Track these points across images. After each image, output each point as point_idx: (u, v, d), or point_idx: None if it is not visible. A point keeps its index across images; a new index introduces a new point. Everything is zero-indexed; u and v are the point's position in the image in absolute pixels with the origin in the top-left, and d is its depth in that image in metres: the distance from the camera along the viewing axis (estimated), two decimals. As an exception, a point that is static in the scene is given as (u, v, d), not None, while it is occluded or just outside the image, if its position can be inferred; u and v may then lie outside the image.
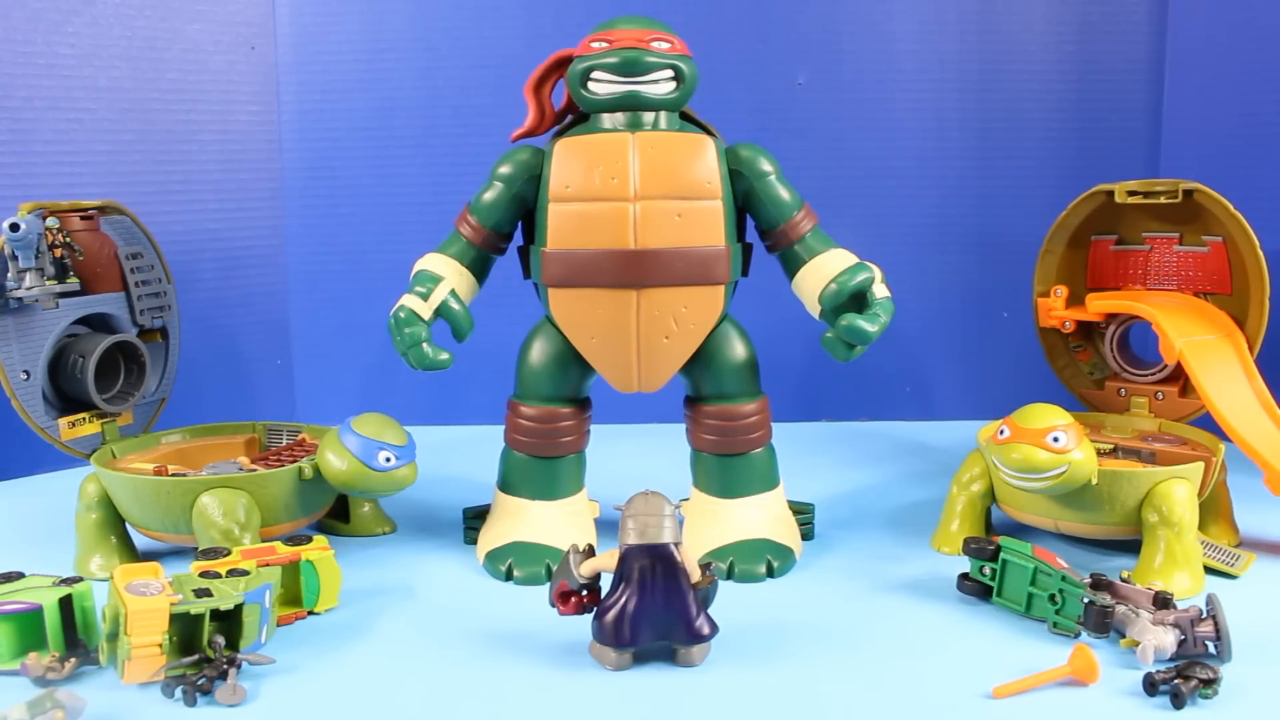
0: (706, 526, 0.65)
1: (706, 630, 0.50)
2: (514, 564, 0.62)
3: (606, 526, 0.70)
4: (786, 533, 0.65)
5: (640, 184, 0.60)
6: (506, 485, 0.67)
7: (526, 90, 0.65)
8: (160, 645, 0.48)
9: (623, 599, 0.49)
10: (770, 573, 0.61)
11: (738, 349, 0.65)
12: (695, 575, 0.50)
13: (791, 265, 0.64)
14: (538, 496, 0.66)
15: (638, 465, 0.84)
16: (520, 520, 0.65)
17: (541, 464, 0.66)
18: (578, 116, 0.66)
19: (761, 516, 0.65)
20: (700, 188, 0.61)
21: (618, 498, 0.74)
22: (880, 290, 0.61)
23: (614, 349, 0.63)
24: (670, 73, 0.62)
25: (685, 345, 0.63)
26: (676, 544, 0.48)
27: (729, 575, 0.61)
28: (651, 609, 0.48)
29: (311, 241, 1.02)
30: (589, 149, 0.62)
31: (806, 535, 0.67)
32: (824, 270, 0.62)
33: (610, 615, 0.49)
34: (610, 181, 0.61)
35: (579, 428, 0.67)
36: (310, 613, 0.57)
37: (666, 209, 0.61)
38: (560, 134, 0.66)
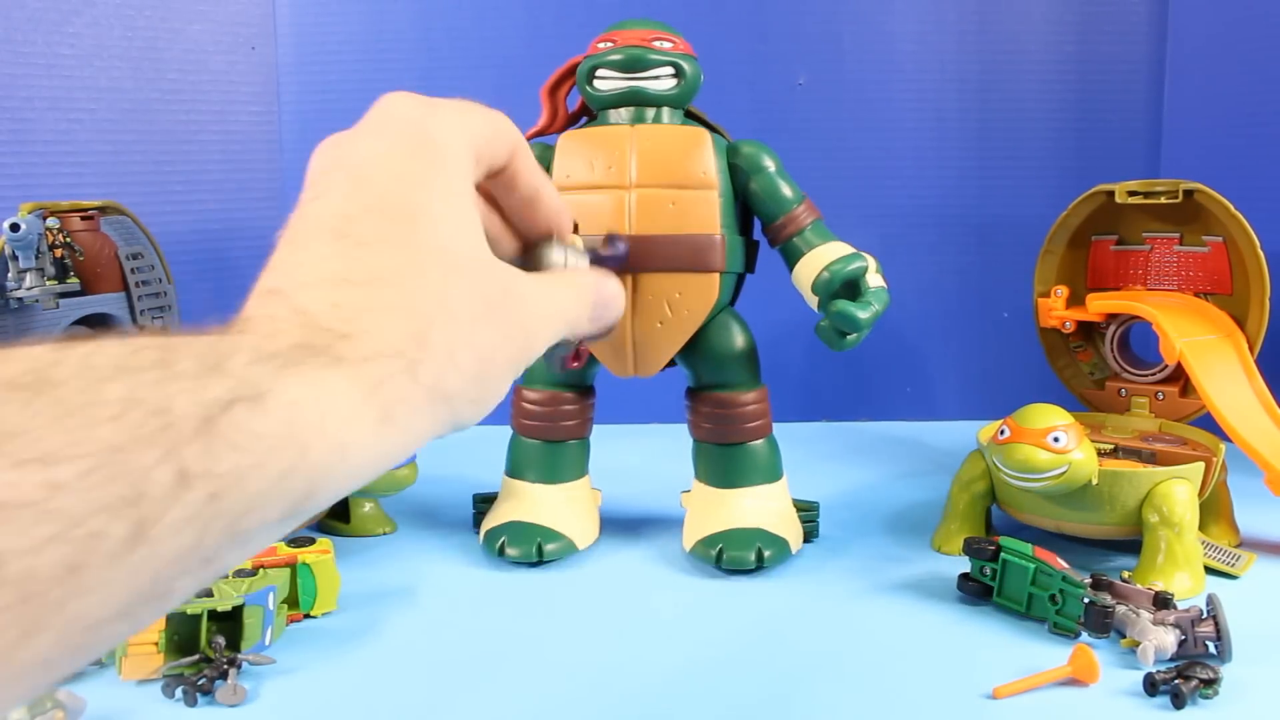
0: (704, 515, 0.65)
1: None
2: (507, 542, 0.64)
3: (609, 519, 0.70)
4: (783, 526, 0.65)
5: (636, 173, 0.62)
6: (513, 470, 0.69)
7: (543, 92, 0.67)
8: (156, 644, 0.49)
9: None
10: (760, 561, 0.61)
11: (736, 338, 0.65)
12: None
13: (791, 258, 0.64)
14: (540, 480, 0.68)
15: (641, 462, 0.84)
16: (521, 502, 0.67)
17: (546, 448, 0.67)
18: (591, 118, 0.68)
19: (760, 508, 0.65)
20: (695, 177, 0.62)
21: (622, 493, 0.75)
22: (874, 279, 0.61)
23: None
24: (671, 69, 0.64)
25: (679, 332, 0.63)
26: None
27: (717, 563, 0.61)
28: None
29: (312, 241, 1.02)
30: (591, 141, 0.64)
31: (811, 534, 0.67)
32: (819, 260, 0.62)
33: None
34: (608, 170, 0.62)
35: (582, 413, 0.68)
36: (307, 616, 0.57)
37: (661, 197, 0.62)
38: (572, 132, 0.67)
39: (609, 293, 0.35)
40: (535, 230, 0.36)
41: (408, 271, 0.27)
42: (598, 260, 0.43)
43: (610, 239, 0.47)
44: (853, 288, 0.61)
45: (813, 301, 0.63)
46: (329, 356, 0.25)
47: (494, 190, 0.35)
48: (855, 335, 0.60)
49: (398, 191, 0.29)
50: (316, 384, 0.24)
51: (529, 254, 0.37)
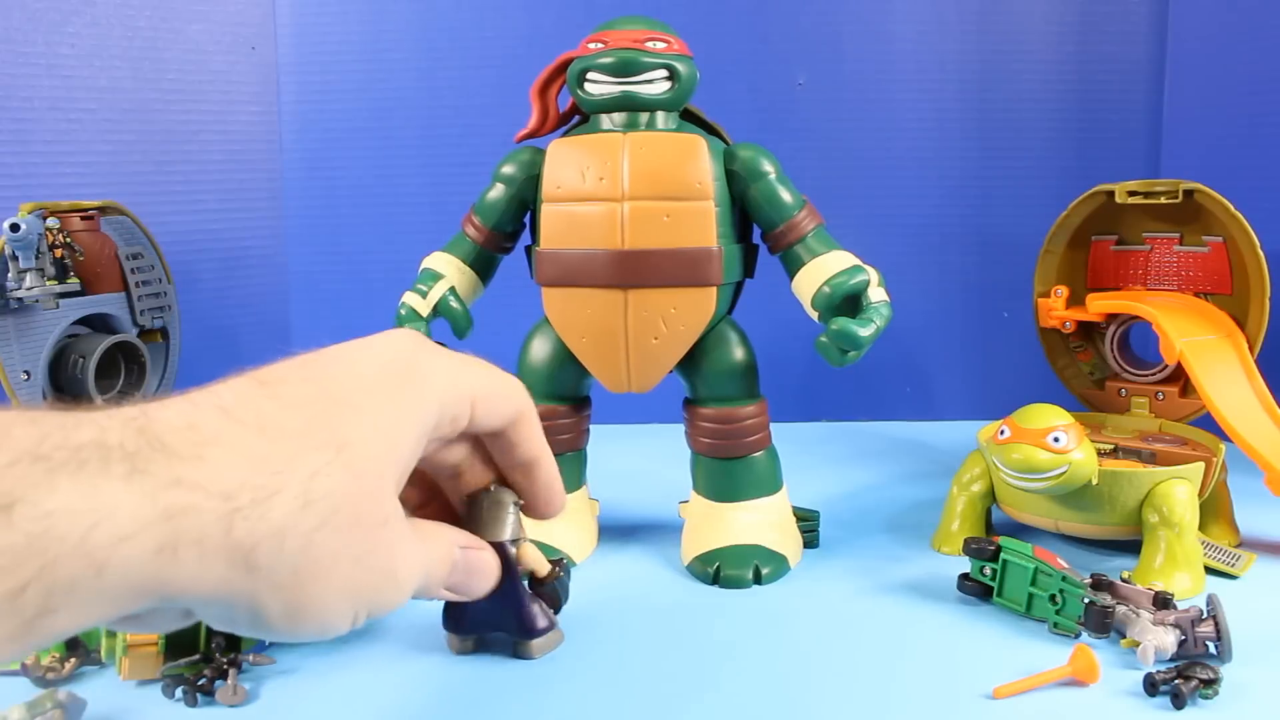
0: (702, 530, 0.64)
1: (540, 624, 0.50)
2: None
3: (608, 525, 0.70)
4: (782, 539, 0.64)
5: (629, 184, 0.60)
6: None
7: (532, 92, 0.65)
8: (157, 644, 0.49)
9: None
10: (758, 579, 0.61)
11: (734, 351, 0.64)
12: (543, 569, 0.52)
13: (792, 266, 0.63)
14: None
15: (638, 465, 0.84)
16: None
17: None
18: (583, 118, 0.66)
19: (758, 522, 0.64)
20: (690, 188, 0.60)
21: (618, 498, 0.75)
22: (876, 294, 0.60)
23: (604, 349, 0.62)
24: (665, 72, 0.61)
25: (675, 347, 0.62)
26: (514, 540, 0.47)
27: (715, 580, 0.61)
28: (482, 600, 0.48)
29: (311, 241, 1.02)
30: (581, 149, 0.62)
31: (811, 543, 0.67)
32: (820, 272, 0.61)
33: (452, 602, 0.51)
34: (599, 181, 0.60)
35: (577, 426, 0.67)
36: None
37: (654, 209, 0.60)
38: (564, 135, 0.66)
39: (481, 564, 0.34)
40: (534, 506, 0.36)
41: (294, 436, 0.25)
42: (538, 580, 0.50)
43: (560, 567, 0.53)
44: (854, 301, 0.60)
45: (813, 314, 0.62)
46: (129, 466, 0.22)
47: (491, 450, 0.34)
48: (856, 352, 0.58)
49: (341, 379, 0.27)
50: (93, 493, 0.21)
51: (471, 500, 0.36)
